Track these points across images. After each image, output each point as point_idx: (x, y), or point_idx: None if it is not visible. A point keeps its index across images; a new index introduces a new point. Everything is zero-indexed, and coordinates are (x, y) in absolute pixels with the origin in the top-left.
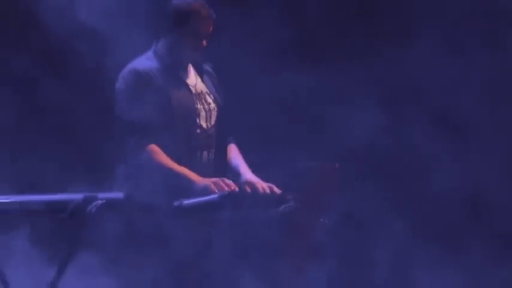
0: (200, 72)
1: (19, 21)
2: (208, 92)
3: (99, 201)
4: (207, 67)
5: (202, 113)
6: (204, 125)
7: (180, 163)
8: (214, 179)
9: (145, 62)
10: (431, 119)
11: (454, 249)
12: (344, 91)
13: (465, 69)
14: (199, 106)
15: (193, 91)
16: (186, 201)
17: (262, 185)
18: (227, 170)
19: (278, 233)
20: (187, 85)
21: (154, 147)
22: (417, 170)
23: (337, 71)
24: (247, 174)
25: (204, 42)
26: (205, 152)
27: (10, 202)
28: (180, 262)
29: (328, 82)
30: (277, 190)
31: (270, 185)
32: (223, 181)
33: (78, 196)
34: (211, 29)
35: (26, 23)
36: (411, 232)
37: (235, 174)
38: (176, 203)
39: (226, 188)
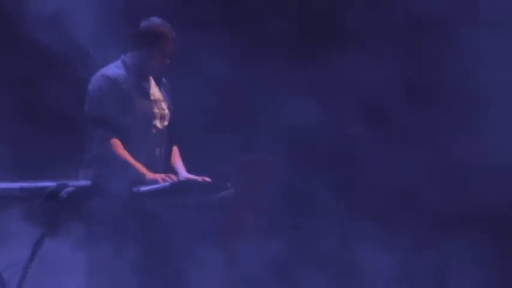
0: (158, 83)
1: (20, 24)
2: (163, 99)
3: (70, 188)
4: (164, 80)
5: (158, 116)
6: (158, 125)
7: (138, 156)
8: (162, 175)
9: (115, 69)
10: (368, 115)
11: (389, 230)
12: (283, 87)
13: (395, 71)
14: (156, 110)
15: (152, 98)
16: (143, 188)
17: (198, 179)
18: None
19: (220, 216)
20: (147, 92)
21: (116, 141)
22: (354, 160)
23: (278, 69)
24: (183, 172)
25: (168, 60)
26: (157, 149)
27: None
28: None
29: (269, 78)
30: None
31: (204, 177)
32: (169, 177)
33: (52, 184)
34: (174, 49)
35: (26, 26)
36: (349, 216)
37: (174, 173)
38: (134, 189)
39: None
